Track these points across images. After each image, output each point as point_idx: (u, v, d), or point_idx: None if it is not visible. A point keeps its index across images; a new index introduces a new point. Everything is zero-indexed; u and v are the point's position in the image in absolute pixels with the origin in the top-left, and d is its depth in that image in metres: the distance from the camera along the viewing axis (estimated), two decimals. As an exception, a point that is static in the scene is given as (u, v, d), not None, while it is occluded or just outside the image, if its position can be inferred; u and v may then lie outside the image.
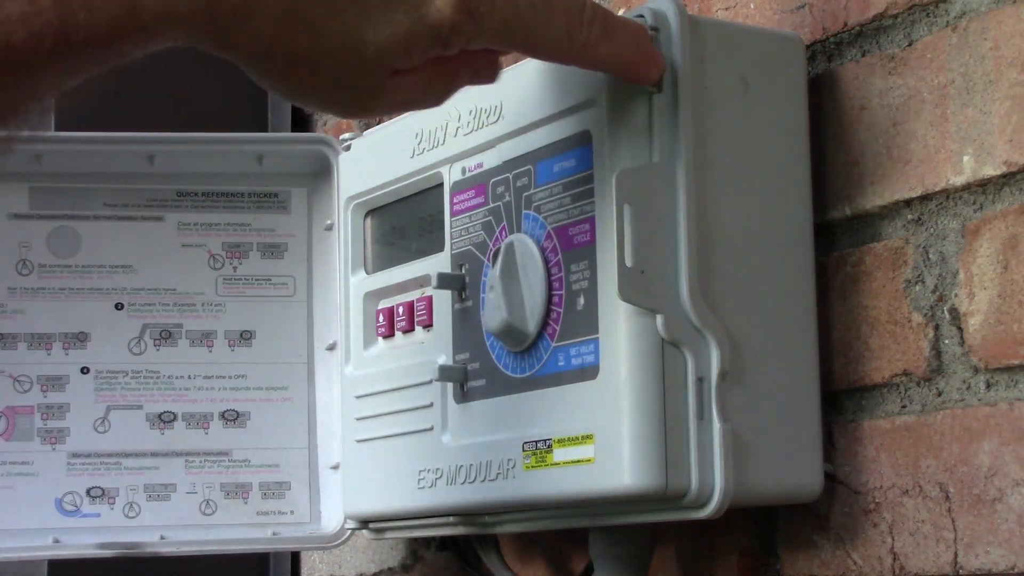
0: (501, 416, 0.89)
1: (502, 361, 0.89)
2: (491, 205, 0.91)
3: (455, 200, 0.95)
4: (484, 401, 0.91)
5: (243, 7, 0.69)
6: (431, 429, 0.95)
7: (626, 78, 0.80)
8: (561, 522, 0.90)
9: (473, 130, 0.93)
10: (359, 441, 1.02)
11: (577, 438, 0.83)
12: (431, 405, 0.95)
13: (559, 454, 0.84)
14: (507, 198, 0.90)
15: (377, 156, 1.04)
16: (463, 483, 0.91)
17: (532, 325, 0.87)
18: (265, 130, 1.36)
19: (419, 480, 0.95)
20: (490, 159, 0.92)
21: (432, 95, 0.77)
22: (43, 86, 0.70)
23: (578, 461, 0.83)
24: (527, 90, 0.87)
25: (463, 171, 0.94)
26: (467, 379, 0.92)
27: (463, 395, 0.92)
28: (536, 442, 0.86)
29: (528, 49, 0.77)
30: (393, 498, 0.99)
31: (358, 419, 1.03)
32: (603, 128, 0.83)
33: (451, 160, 0.95)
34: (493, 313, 0.88)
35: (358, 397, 1.03)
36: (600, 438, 0.82)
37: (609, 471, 0.81)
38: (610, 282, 0.81)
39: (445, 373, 0.93)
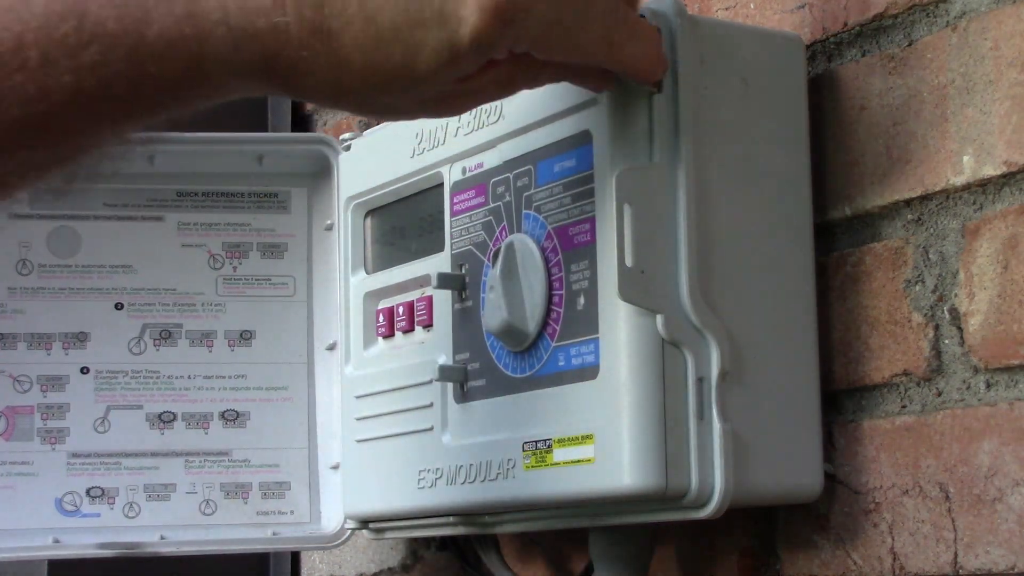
0: (501, 416, 0.89)
1: (502, 361, 0.89)
2: (491, 205, 0.91)
3: (455, 200, 0.95)
4: (484, 401, 0.91)
5: (301, 64, 0.71)
6: (431, 429, 0.95)
7: (636, 78, 0.80)
8: (561, 522, 0.90)
9: (473, 130, 0.93)
10: (359, 441, 1.02)
11: (577, 438, 0.83)
12: (431, 405, 0.95)
13: (559, 454, 0.84)
14: (507, 198, 0.90)
15: (377, 156, 1.04)
16: (463, 483, 0.91)
17: (532, 325, 0.87)
18: (265, 130, 1.36)
19: (419, 480, 0.95)
20: (490, 159, 0.92)
21: (517, 84, 0.78)
22: (108, 132, 0.71)
23: (578, 461, 0.83)
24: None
25: (463, 171, 0.94)
26: (467, 379, 0.92)
27: (463, 395, 0.92)
28: (536, 442, 0.86)
29: (568, 53, 0.76)
30: (393, 498, 0.99)
31: (358, 419, 1.03)
32: (603, 128, 0.83)
33: (451, 160, 0.95)
34: (493, 313, 0.88)
35: (358, 397, 1.03)
36: (600, 438, 0.82)
37: (609, 471, 0.81)
38: (610, 282, 0.81)
39: (445, 373, 0.93)
